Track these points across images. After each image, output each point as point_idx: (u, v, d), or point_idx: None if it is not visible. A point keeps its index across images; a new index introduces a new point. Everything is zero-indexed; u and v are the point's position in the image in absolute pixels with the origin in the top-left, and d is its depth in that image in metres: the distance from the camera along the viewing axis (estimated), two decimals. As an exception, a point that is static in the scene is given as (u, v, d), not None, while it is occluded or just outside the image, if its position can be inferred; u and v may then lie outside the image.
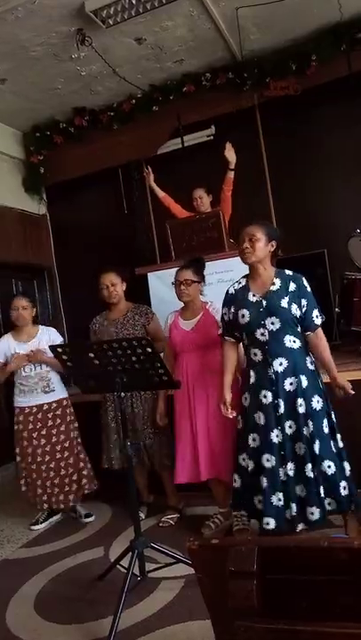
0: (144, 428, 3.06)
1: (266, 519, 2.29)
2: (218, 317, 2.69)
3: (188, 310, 2.86)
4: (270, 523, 2.28)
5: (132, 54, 4.38)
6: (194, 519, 3.06)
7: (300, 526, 2.27)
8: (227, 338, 2.56)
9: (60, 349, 2.34)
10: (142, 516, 3.16)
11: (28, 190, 5.59)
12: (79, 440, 3.35)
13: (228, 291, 2.54)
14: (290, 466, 2.29)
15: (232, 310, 2.47)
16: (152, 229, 5.28)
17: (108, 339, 3.04)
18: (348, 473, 2.36)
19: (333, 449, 2.33)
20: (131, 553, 2.24)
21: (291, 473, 2.29)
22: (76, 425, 3.37)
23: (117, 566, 2.40)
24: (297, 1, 3.84)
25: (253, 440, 2.40)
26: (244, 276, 2.52)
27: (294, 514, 2.27)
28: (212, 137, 4.97)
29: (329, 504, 2.30)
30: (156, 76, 4.82)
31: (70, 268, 5.79)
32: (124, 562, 2.29)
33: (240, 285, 2.49)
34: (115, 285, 3.13)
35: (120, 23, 3.78)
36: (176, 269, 2.88)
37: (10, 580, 2.67)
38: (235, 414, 2.49)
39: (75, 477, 3.27)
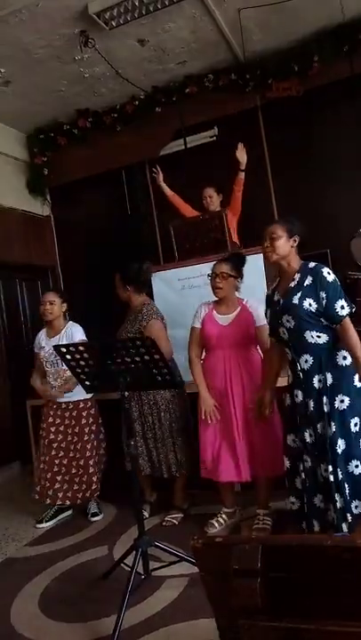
0: (162, 433, 3.03)
1: (312, 521, 2.26)
2: (255, 315, 2.69)
3: (223, 305, 2.79)
4: (315, 525, 2.25)
5: (135, 56, 4.39)
6: (198, 518, 3.07)
7: (345, 526, 2.19)
8: (272, 339, 2.53)
9: (64, 349, 2.35)
10: (146, 514, 3.16)
11: (32, 192, 5.62)
12: (94, 444, 3.33)
13: (267, 292, 2.53)
14: (323, 467, 2.23)
15: (265, 311, 2.50)
16: (155, 230, 5.29)
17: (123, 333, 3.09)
18: None
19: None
20: (135, 551, 2.25)
21: (325, 474, 2.23)
22: (94, 428, 3.34)
23: (121, 565, 2.41)
24: (299, 2, 3.84)
25: (293, 441, 2.38)
26: (278, 276, 2.47)
27: (336, 515, 2.20)
28: (214, 138, 4.99)
29: (356, 507, 2.21)
30: (159, 78, 4.83)
31: (74, 269, 5.80)
32: (128, 560, 2.30)
33: (274, 285, 2.48)
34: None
35: (123, 25, 3.80)
36: (213, 263, 2.83)
37: (14, 579, 2.68)
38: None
39: (85, 479, 3.28)
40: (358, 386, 2.25)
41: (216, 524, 2.88)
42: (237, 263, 2.78)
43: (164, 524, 3.06)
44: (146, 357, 2.23)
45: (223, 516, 2.92)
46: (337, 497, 2.20)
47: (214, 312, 2.81)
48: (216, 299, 2.82)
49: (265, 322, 2.58)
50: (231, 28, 4.16)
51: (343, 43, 4.28)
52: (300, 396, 2.30)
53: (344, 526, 2.19)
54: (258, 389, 2.63)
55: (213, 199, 4.04)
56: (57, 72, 4.47)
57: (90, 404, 3.36)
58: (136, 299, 3.17)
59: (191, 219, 3.98)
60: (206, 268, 3.39)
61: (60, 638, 2.12)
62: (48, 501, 3.32)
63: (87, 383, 2.48)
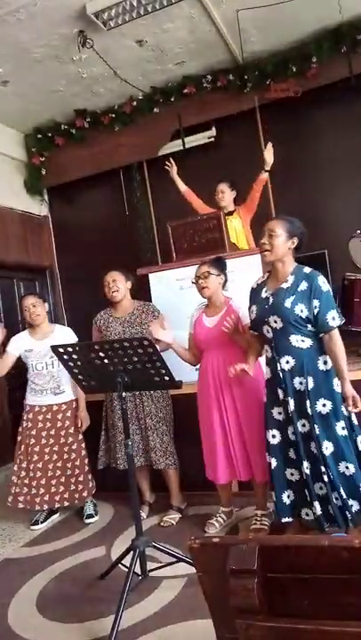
0: (159, 426, 3.07)
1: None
2: (241, 313, 2.69)
3: (211, 307, 2.82)
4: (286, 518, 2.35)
5: (133, 56, 4.39)
6: (196, 518, 3.07)
7: (327, 525, 2.25)
8: (251, 331, 2.56)
9: (61, 349, 2.35)
10: (144, 515, 3.17)
11: (30, 191, 5.61)
12: (82, 446, 3.33)
13: (251, 286, 2.53)
14: (305, 464, 2.28)
15: (251, 307, 2.49)
16: (153, 230, 5.30)
17: (115, 337, 3.09)
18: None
19: (351, 451, 2.28)
20: (132, 552, 2.25)
21: (308, 471, 2.27)
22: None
23: (119, 565, 2.41)
24: (297, 3, 3.85)
25: (273, 437, 2.40)
26: (268, 271, 2.49)
27: (319, 513, 2.25)
28: (212, 139, 4.99)
29: (352, 506, 2.25)
30: (157, 78, 4.83)
31: (72, 269, 5.80)
32: (126, 561, 2.30)
33: (261, 280, 2.49)
34: (115, 281, 3.16)
35: (121, 25, 3.80)
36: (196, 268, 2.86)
37: (11, 580, 2.68)
38: (243, 367, 2.46)
39: (81, 478, 3.28)
40: (338, 390, 2.30)
41: (216, 524, 2.88)
42: (217, 264, 2.82)
43: (162, 524, 3.06)
44: (144, 358, 2.23)
45: (222, 515, 2.92)
46: (334, 495, 2.24)
47: (203, 315, 2.86)
48: (206, 302, 2.86)
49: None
50: (229, 29, 4.16)
51: (341, 43, 4.29)
52: (280, 394, 2.35)
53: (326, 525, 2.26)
54: (246, 386, 2.68)
55: (226, 195, 4.00)
56: (55, 72, 4.46)
57: (75, 404, 3.36)
58: (129, 298, 3.23)
59: (189, 219, 3.97)
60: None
61: (57, 639, 2.12)
62: (45, 507, 3.29)
63: (85, 384, 2.47)
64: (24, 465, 3.30)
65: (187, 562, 2.26)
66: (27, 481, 3.27)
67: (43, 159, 5.53)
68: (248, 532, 2.74)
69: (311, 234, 4.72)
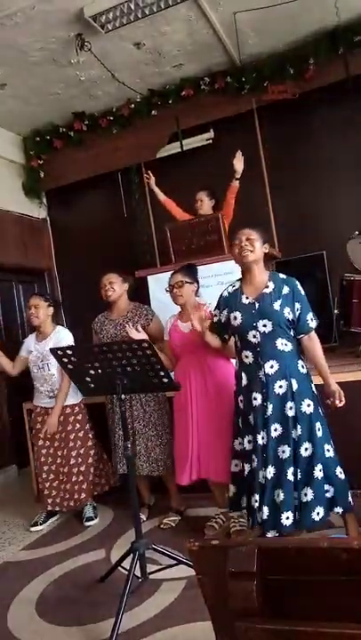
0: (145, 431, 3.07)
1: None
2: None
3: (185, 313, 2.88)
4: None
5: (131, 59, 4.40)
6: (195, 520, 3.07)
7: (271, 533, 2.27)
8: (219, 336, 2.59)
9: (60, 352, 2.35)
10: (143, 517, 3.16)
11: (28, 194, 5.61)
12: (81, 451, 3.30)
13: (221, 294, 2.57)
14: (270, 469, 2.31)
15: (225, 313, 2.51)
16: (152, 232, 5.30)
17: (108, 340, 3.09)
18: (336, 477, 2.35)
19: (325, 453, 2.34)
20: (132, 555, 2.25)
21: (269, 476, 2.31)
22: (81, 435, 3.32)
23: (119, 568, 2.41)
24: (294, 5, 3.86)
25: (249, 442, 2.42)
26: (238, 280, 2.55)
27: (265, 517, 2.28)
28: (210, 141, 5.00)
29: (318, 514, 2.29)
30: (155, 81, 4.84)
31: (70, 272, 5.81)
32: (126, 563, 2.30)
33: (233, 288, 2.52)
34: (112, 284, 3.18)
35: (119, 28, 3.81)
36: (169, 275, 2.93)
37: (11, 583, 2.67)
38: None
39: (68, 487, 3.26)
40: (315, 393, 2.40)
41: (216, 526, 2.88)
42: (190, 272, 2.91)
43: (161, 526, 3.06)
44: (143, 360, 2.23)
45: (221, 517, 2.93)
46: (301, 497, 2.28)
47: (178, 321, 2.91)
48: (180, 309, 2.92)
49: None
50: (227, 31, 4.17)
51: (338, 45, 4.29)
52: (258, 399, 2.36)
53: (271, 533, 2.26)
54: (217, 388, 2.75)
55: (204, 203, 4.07)
56: (53, 75, 4.47)
57: (77, 409, 3.33)
58: (125, 300, 3.25)
59: (187, 221, 3.98)
60: (203, 270, 3.40)
61: (57, 642, 2.11)
62: (49, 508, 3.32)
63: (83, 386, 2.47)
64: (35, 464, 3.35)
65: (186, 564, 2.26)
66: (40, 480, 3.33)
67: (41, 162, 5.53)
68: (232, 535, 2.75)
69: (309, 235, 4.77)
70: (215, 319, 2.57)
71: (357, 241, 3.62)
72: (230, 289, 2.54)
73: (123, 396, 2.30)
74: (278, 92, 4.46)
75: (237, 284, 2.52)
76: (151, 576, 2.35)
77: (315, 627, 0.85)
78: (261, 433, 2.34)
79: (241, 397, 2.48)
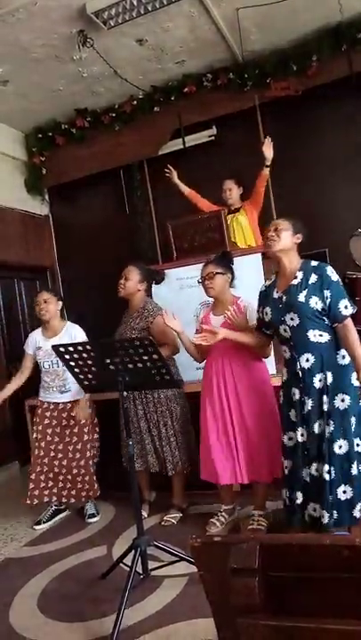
0: (160, 431, 3.05)
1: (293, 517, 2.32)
2: (249, 312, 2.66)
3: (218, 305, 2.79)
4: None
5: (134, 55, 4.39)
6: (197, 517, 3.07)
7: (331, 528, 2.21)
8: (258, 331, 2.56)
9: (62, 349, 2.35)
10: (145, 514, 3.17)
11: (30, 191, 5.61)
12: (94, 444, 3.32)
13: (260, 289, 2.53)
14: (315, 466, 2.24)
15: (261, 308, 2.49)
16: (154, 230, 5.30)
17: (118, 336, 3.10)
18: None
19: (357, 449, 2.25)
20: (134, 551, 2.25)
21: (315, 473, 2.23)
22: (91, 428, 3.33)
23: (120, 564, 2.41)
24: (297, 1, 3.84)
25: (290, 439, 2.38)
26: (275, 272, 2.49)
27: (318, 515, 2.23)
28: (213, 137, 4.99)
29: (360, 511, 2.23)
30: (158, 77, 4.83)
31: (72, 268, 5.81)
32: (127, 560, 2.30)
33: (270, 282, 2.48)
34: (125, 277, 3.12)
35: (121, 24, 3.79)
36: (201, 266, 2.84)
37: (13, 579, 2.68)
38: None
39: (87, 478, 3.27)
40: (356, 385, 2.27)
41: (217, 523, 2.87)
42: (223, 261, 2.79)
43: (163, 523, 3.06)
44: (144, 357, 2.23)
45: (223, 514, 2.91)
46: (330, 496, 2.21)
47: (210, 313, 2.83)
48: (212, 300, 2.83)
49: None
50: (229, 28, 4.16)
51: (342, 42, 4.27)
52: (297, 394, 2.30)
53: (328, 521, 2.21)
54: (252, 388, 2.68)
55: (233, 192, 4.03)
56: (55, 71, 4.46)
57: (90, 403, 3.34)
58: (140, 297, 3.18)
59: (189, 218, 3.97)
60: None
61: (59, 638, 2.12)
62: (54, 499, 3.32)
63: (86, 383, 2.48)
64: (32, 460, 3.33)
65: (188, 561, 2.26)
66: (33, 476, 3.30)
67: (43, 159, 5.53)
68: (245, 532, 2.74)
69: (312, 232, 4.72)
70: (259, 315, 2.52)
71: (360, 238, 3.60)
72: (268, 282, 2.50)
73: (125, 393, 2.30)
74: (281, 89, 4.44)
75: (273, 278, 2.47)
76: (153, 573, 2.36)
77: (317, 623, 0.85)
78: (300, 430, 2.27)
79: (280, 393, 2.44)
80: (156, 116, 5.03)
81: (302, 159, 4.74)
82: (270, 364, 3.02)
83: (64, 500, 3.34)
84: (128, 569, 2.19)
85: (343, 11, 4.00)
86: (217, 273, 2.72)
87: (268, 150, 3.86)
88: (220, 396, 2.72)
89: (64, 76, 4.58)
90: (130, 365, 2.26)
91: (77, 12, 3.69)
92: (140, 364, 2.25)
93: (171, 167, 4.27)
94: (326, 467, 2.21)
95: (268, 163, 3.87)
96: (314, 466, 2.25)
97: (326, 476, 2.21)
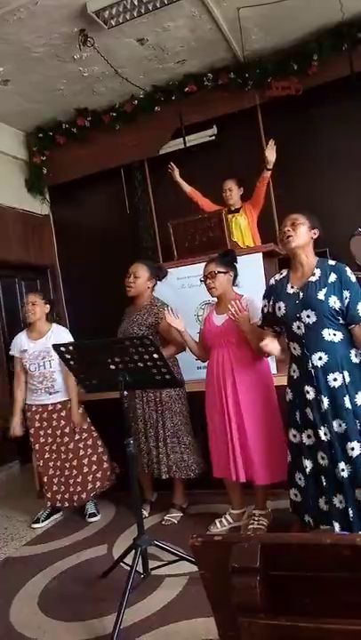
0: (167, 436, 3.02)
1: (331, 521, 2.22)
2: (251, 310, 2.61)
3: (221, 304, 2.76)
4: (335, 526, 2.21)
5: (134, 55, 4.39)
6: (198, 517, 3.07)
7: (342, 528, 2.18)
8: (265, 328, 2.50)
9: (63, 348, 2.35)
10: (145, 513, 3.17)
11: (31, 191, 5.62)
12: (88, 443, 3.31)
13: (269, 282, 2.47)
14: (342, 466, 2.18)
15: (271, 302, 2.41)
16: (154, 229, 5.30)
17: (121, 334, 3.08)
18: None
19: None
20: (134, 550, 2.25)
21: (345, 474, 2.17)
22: (85, 427, 3.32)
23: (121, 564, 2.41)
24: (298, 1, 3.84)
25: (294, 436, 2.35)
26: (287, 268, 2.43)
27: (352, 519, 2.17)
28: (214, 137, 4.99)
29: None
30: (158, 77, 4.83)
31: (73, 268, 5.81)
32: (128, 559, 2.31)
33: (281, 276, 2.41)
34: (136, 278, 3.08)
35: (122, 24, 3.80)
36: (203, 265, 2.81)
37: (14, 578, 2.68)
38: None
39: (79, 479, 3.27)
40: None
41: (219, 525, 2.85)
42: (226, 259, 2.75)
43: (163, 522, 3.06)
44: (145, 356, 2.23)
45: (228, 517, 2.88)
46: (358, 494, 2.17)
47: (214, 312, 2.81)
48: (217, 299, 2.80)
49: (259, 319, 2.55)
50: (230, 27, 4.16)
51: (342, 41, 4.28)
52: (311, 392, 2.25)
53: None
54: (253, 387, 2.66)
55: (233, 192, 4.02)
56: (56, 71, 4.46)
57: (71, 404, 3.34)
58: (148, 294, 3.15)
59: (190, 218, 3.97)
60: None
61: (59, 637, 2.12)
62: (58, 505, 3.33)
63: (86, 383, 2.48)
64: (50, 464, 3.32)
65: (189, 560, 2.26)
66: (46, 479, 3.33)
67: (44, 158, 5.53)
68: (246, 531, 2.73)
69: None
70: (265, 310, 2.46)
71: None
72: (278, 277, 2.43)
73: (125, 393, 2.30)
74: (282, 89, 4.44)
75: (285, 272, 2.41)
76: (153, 572, 2.36)
77: (318, 623, 0.85)
78: (323, 428, 2.21)
79: (291, 390, 2.39)
80: (156, 115, 5.03)
81: (303, 159, 4.73)
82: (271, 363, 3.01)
83: (66, 504, 3.32)
84: (128, 568, 2.19)
85: (344, 10, 4.01)
86: (219, 272, 2.69)
87: (272, 153, 3.85)
88: (221, 395, 2.71)
89: (65, 76, 4.58)
90: (130, 365, 2.25)
91: (78, 11, 3.69)
92: (140, 364, 2.25)
93: (173, 165, 4.26)
94: (349, 466, 2.17)
95: (270, 166, 3.86)
96: (340, 465, 2.19)
97: (346, 474, 2.17)
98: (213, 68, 4.74)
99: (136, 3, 3.57)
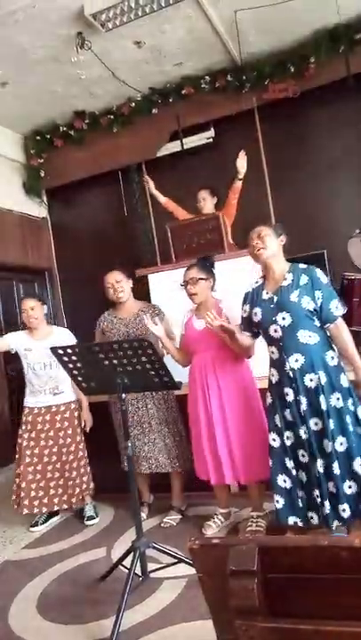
0: (161, 429, 3.07)
1: (310, 514, 2.31)
2: (229, 315, 2.65)
3: (201, 310, 2.79)
4: (313, 517, 2.31)
5: (132, 57, 4.40)
6: (196, 519, 3.07)
7: (335, 523, 2.24)
8: (244, 331, 2.55)
9: (61, 351, 2.35)
10: (144, 516, 3.17)
11: (29, 193, 5.62)
12: (80, 447, 3.31)
13: (246, 290, 2.54)
14: (319, 462, 2.25)
15: (248, 308, 2.49)
16: (152, 231, 5.30)
17: (120, 338, 3.07)
18: None
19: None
20: (133, 553, 2.25)
21: (321, 470, 2.25)
22: (78, 431, 3.32)
23: (119, 567, 2.41)
24: (295, 3, 3.85)
25: (274, 440, 2.39)
26: (262, 276, 2.50)
27: (328, 511, 2.23)
28: (211, 139, 5.00)
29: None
30: (156, 79, 4.84)
31: (71, 270, 5.81)
32: (126, 562, 2.30)
33: (257, 284, 2.49)
34: (119, 282, 3.11)
35: (119, 27, 3.80)
36: (183, 271, 2.85)
37: (12, 582, 2.68)
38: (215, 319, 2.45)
39: (78, 481, 3.26)
40: (346, 386, 2.30)
41: (213, 526, 2.88)
42: (204, 265, 2.81)
43: (162, 525, 3.06)
44: (143, 359, 2.23)
45: (219, 517, 2.92)
46: (337, 492, 2.22)
47: (194, 317, 2.85)
48: (196, 305, 2.84)
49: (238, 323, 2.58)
50: (227, 30, 4.17)
51: (339, 43, 4.29)
52: (291, 394, 2.32)
53: (335, 523, 2.23)
54: (236, 390, 2.70)
55: (207, 202, 4.06)
56: (53, 73, 4.47)
57: (73, 406, 3.35)
58: (132, 298, 3.20)
59: (188, 220, 3.98)
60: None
61: (58, 640, 2.11)
62: (45, 510, 3.28)
63: (84, 385, 2.47)
64: (22, 469, 3.27)
65: (187, 563, 2.26)
66: (24, 485, 3.24)
67: (41, 161, 5.54)
68: (244, 534, 2.73)
69: (310, 234, 4.76)
70: (243, 315, 2.52)
71: (358, 239, 3.62)
72: (254, 285, 2.51)
73: (123, 395, 2.30)
74: (279, 91, 4.46)
75: (261, 280, 2.49)
76: (152, 575, 2.36)
77: (316, 625, 0.85)
78: (303, 427, 2.28)
79: (271, 393, 2.43)
80: (154, 117, 5.04)
81: (300, 161, 4.75)
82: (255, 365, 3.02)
83: (56, 507, 3.29)
84: (127, 571, 2.19)
85: (341, 12, 4.02)
86: (200, 278, 2.74)
87: (242, 164, 3.88)
88: (205, 398, 2.75)
89: (62, 78, 4.59)
90: (128, 367, 2.26)
91: (75, 14, 3.70)
92: (138, 366, 2.25)
93: (148, 177, 4.33)
94: (336, 462, 2.22)
95: (241, 176, 3.89)
96: (318, 462, 2.25)
97: (337, 471, 2.22)
98: (211, 71, 4.75)
99: (133, 5, 3.57)
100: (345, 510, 2.21)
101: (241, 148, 3.93)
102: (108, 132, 5.22)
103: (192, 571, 2.14)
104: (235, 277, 3.10)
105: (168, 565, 2.37)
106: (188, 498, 3.24)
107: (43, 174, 5.57)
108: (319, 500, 2.26)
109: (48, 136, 5.43)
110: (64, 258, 5.88)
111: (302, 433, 2.29)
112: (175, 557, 2.34)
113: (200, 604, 1.03)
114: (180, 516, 3.12)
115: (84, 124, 5.26)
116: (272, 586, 0.86)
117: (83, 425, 3.31)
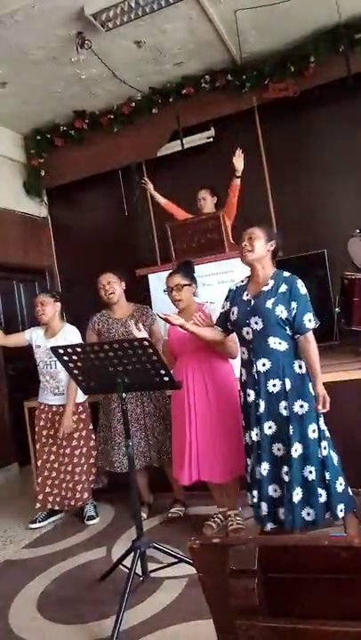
0: (156, 425, 3.12)
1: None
2: (213, 317, 2.69)
3: (184, 314, 2.82)
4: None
5: (132, 57, 4.40)
6: (196, 519, 3.07)
7: (269, 525, 2.32)
8: (216, 326, 2.60)
9: (61, 350, 2.35)
10: (144, 515, 3.17)
11: (29, 193, 5.62)
12: (83, 451, 3.29)
13: (230, 287, 2.60)
14: (264, 465, 2.34)
15: (227, 306, 2.55)
16: (153, 231, 5.30)
17: (118, 338, 3.11)
18: (328, 481, 2.31)
19: (318, 455, 2.32)
20: (133, 553, 2.25)
21: (265, 473, 2.34)
22: (84, 434, 3.31)
23: (120, 566, 2.41)
24: (295, 3, 3.85)
25: (250, 438, 2.45)
26: (248, 276, 2.55)
27: (264, 513, 2.33)
28: (211, 139, 5.00)
29: (308, 514, 2.31)
30: (156, 79, 4.84)
31: (71, 270, 5.81)
32: (127, 562, 2.30)
33: (241, 284, 2.55)
34: (110, 283, 3.18)
35: (119, 26, 3.80)
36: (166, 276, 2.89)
37: (13, 581, 2.68)
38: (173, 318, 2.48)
39: (70, 485, 3.26)
40: (313, 394, 2.35)
41: (214, 525, 2.89)
42: (187, 271, 2.86)
43: (169, 515, 3.10)
44: (143, 358, 2.23)
45: (219, 516, 2.93)
46: (292, 496, 2.28)
47: None
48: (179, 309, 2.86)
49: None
50: (227, 29, 4.16)
51: (339, 43, 4.28)
52: (252, 395, 2.39)
53: (269, 525, 2.33)
54: (218, 390, 2.75)
55: (207, 201, 4.06)
56: (53, 73, 4.46)
57: (80, 408, 3.33)
58: (125, 301, 3.26)
59: (188, 219, 3.98)
60: (203, 268, 3.40)
61: (58, 640, 2.12)
62: (49, 506, 3.32)
63: (84, 385, 2.48)
64: (47, 465, 3.32)
65: (187, 562, 2.26)
66: (40, 480, 3.32)
67: (42, 160, 5.54)
68: (230, 534, 2.75)
69: (310, 233, 4.76)
70: (223, 309, 2.58)
71: (358, 239, 3.61)
72: (239, 284, 2.56)
73: (124, 395, 2.30)
74: (279, 90, 4.46)
75: (245, 281, 2.54)
76: (152, 574, 2.36)
77: (315, 625, 0.85)
78: (255, 429, 2.37)
79: (241, 393, 2.52)
80: (154, 117, 5.04)
81: (300, 160, 4.75)
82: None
83: (57, 507, 3.32)
84: (127, 571, 2.19)
85: (341, 12, 4.01)
86: (184, 285, 2.78)
87: (239, 162, 3.87)
88: (188, 399, 2.77)
89: (62, 78, 4.58)
90: (129, 367, 2.26)
91: (75, 14, 3.69)
92: (138, 366, 2.25)
93: (147, 179, 4.32)
94: (285, 467, 2.30)
95: (239, 174, 3.88)
96: (264, 465, 2.34)
97: (285, 477, 2.30)
98: (211, 70, 4.75)
99: (133, 5, 3.57)
100: (284, 514, 2.29)
101: (241, 148, 3.92)
102: (109, 131, 5.22)
103: (192, 570, 2.14)
104: (234, 277, 3.10)
105: (168, 565, 2.37)
106: (188, 497, 3.24)
107: (43, 174, 5.57)
108: (255, 500, 2.36)
109: (48, 136, 5.42)
110: (64, 257, 5.88)
111: (254, 435, 2.37)
112: (175, 557, 2.34)
113: (200, 604, 1.03)
114: (184, 508, 3.16)
115: (84, 123, 5.26)
116: (272, 586, 0.86)
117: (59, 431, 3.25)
